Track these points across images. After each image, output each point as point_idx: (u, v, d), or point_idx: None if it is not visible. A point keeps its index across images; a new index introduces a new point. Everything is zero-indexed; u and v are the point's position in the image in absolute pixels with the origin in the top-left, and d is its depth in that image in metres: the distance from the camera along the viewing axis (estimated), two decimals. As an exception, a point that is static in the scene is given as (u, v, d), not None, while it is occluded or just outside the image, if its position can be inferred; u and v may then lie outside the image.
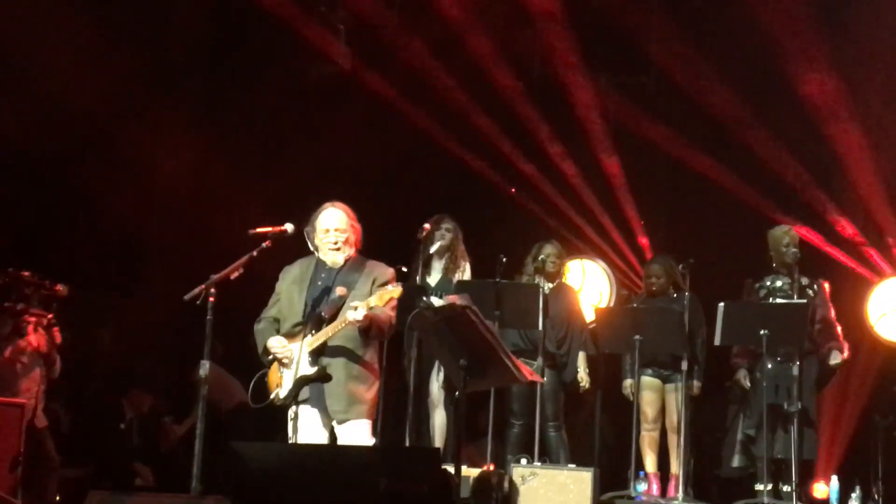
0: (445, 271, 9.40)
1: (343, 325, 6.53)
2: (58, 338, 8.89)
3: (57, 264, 10.77)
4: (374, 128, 11.67)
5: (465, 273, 9.48)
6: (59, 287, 8.87)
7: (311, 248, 6.95)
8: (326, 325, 6.60)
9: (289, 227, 6.82)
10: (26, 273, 8.78)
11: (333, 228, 6.83)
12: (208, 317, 6.53)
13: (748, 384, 9.37)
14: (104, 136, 10.87)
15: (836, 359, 9.26)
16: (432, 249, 9.30)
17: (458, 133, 11.82)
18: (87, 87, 10.45)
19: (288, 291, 6.87)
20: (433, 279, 9.40)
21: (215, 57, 11.48)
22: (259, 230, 6.78)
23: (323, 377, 6.61)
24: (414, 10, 11.13)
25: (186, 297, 6.53)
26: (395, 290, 6.51)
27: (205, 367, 6.56)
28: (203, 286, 6.51)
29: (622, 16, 11.21)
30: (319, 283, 6.79)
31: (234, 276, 6.62)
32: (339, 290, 6.63)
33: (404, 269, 9.35)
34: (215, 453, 6.70)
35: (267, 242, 6.75)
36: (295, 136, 11.51)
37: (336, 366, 6.64)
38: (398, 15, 11.06)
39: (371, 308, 6.47)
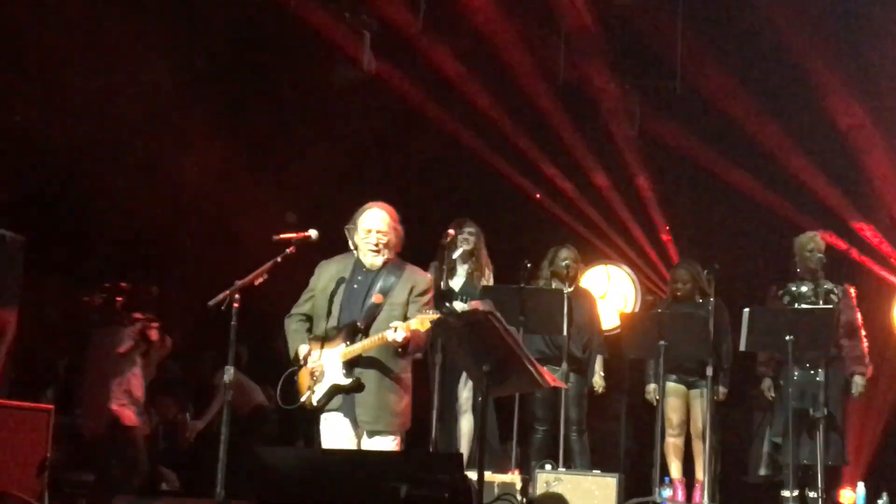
0: (470, 276, 9.39)
1: (379, 342, 6.50)
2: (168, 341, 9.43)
3: (83, 268, 10.88)
4: (399, 131, 11.68)
5: (489, 278, 9.48)
6: (153, 289, 9.09)
7: (351, 247, 6.90)
8: (361, 336, 6.57)
9: (313, 232, 6.77)
10: (124, 284, 9.03)
11: (375, 230, 6.76)
12: (232, 322, 6.52)
13: (772, 394, 9.33)
14: (130, 139, 10.93)
15: (857, 388, 9.23)
16: (456, 254, 9.30)
17: (483, 136, 11.83)
18: (115, 90, 10.52)
19: (323, 290, 6.81)
20: (457, 284, 9.39)
21: (241, 61, 11.50)
22: (283, 236, 6.75)
23: (356, 388, 6.57)
24: (439, 14, 11.13)
25: (211, 302, 6.51)
26: (434, 316, 6.41)
27: (229, 373, 6.54)
28: (227, 292, 6.49)
29: (650, 23, 11.21)
30: (356, 285, 6.74)
31: (258, 282, 6.60)
32: (375, 298, 6.60)
33: (429, 275, 9.36)
34: (237, 458, 6.74)
35: (291, 248, 6.70)
36: (319, 140, 11.53)
37: (369, 376, 6.60)
38: (423, 19, 11.06)
39: (412, 330, 6.43)
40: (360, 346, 6.53)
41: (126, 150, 10.97)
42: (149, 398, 10.60)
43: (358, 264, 6.81)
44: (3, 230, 7.40)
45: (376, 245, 6.75)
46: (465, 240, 9.34)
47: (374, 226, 6.77)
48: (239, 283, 6.52)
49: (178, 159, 11.24)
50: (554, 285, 9.52)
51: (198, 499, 8.33)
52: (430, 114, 11.64)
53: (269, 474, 5.67)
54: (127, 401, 9.23)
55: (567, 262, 9.55)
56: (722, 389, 9.45)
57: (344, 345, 6.56)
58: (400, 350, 6.54)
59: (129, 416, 9.20)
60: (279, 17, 10.86)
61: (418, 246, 9.31)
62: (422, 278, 6.80)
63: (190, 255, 11.38)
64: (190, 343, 11.24)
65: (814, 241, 9.39)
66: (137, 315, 9.30)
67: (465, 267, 9.41)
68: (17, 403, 7.32)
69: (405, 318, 6.56)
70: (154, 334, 9.51)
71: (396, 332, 6.40)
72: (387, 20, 11.02)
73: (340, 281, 6.78)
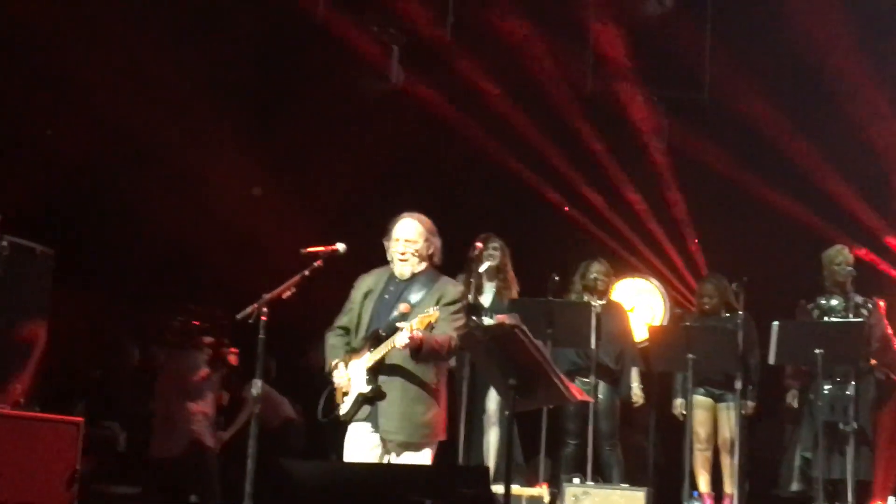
0: (498, 292, 9.40)
1: (391, 346, 6.45)
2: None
3: (110, 280, 10.94)
4: (427, 144, 11.70)
5: (515, 294, 9.48)
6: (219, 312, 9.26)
7: (388, 259, 6.88)
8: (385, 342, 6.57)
9: (340, 246, 6.77)
10: (197, 307, 9.19)
11: (403, 238, 6.74)
12: (260, 335, 6.53)
13: (796, 404, 9.29)
14: (157, 151, 10.99)
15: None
16: (482, 269, 9.31)
17: (511, 149, 11.83)
18: (141, 102, 10.58)
19: (359, 302, 6.79)
20: (486, 299, 9.40)
21: (269, 74, 11.56)
22: (311, 249, 6.75)
23: (376, 396, 6.55)
24: (467, 26, 11.16)
25: (239, 315, 6.54)
26: (433, 315, 6.37)
27: (257, 386, 6.57)
28: (255, 305, 6.51)
29: (678, 36, 11.20)
30: (387, 296, 6.71)
31: (286, 295, 6.61)
32: (402, 307, 6.55)
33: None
34: (265, 471, 6.73)
35: (319, 262, 6.70)
36: (348, 153, 11.56)
37: (392, 385, 6.55)
38: (451, 31, 11.09)
39: (414, 331, 6.34)
40: (377, 352, 6.50)
41: (155, 164, 11.03)
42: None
43: (391, 276, 6.79)
44: (32, 244, 7.44)
45: (403, 254, 6.72)
46: (489, 255, 9.35)
47: (401, 234, 6.76)
48: (267, 296, 6.53)
49: (207, 172, 11.29)
50: (585, 299, 9.50)
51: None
52: (457, 126, 11.65)
53: (294, 487, 5.67)
54: (206, 423, 9.40)
55: (597, 275, 9.55)
56: (750, 403, 9.42)
57: (368, 353, 6.56)
58: (413, 356, 6.46)
59: (209, 438, 9.45)
60: (307, 31, 10.92)
61: (445, 258, 9.35)
62: (452, 289, 6.75)
63: (218, 268, 11.41)
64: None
65: (842, 255, 9.35)
66: (209, 339, 9.55)
67: (493, 283, 9.42)
68: (47, 416, 7.35)
69: (431, 329, 6.51)
70: (234, 359, 9.86)
71: (401, 335, 6.33)
72: (415, 33, 11.06)
73: (374, 293, 6.77)
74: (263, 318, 6.51)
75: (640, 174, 12.04)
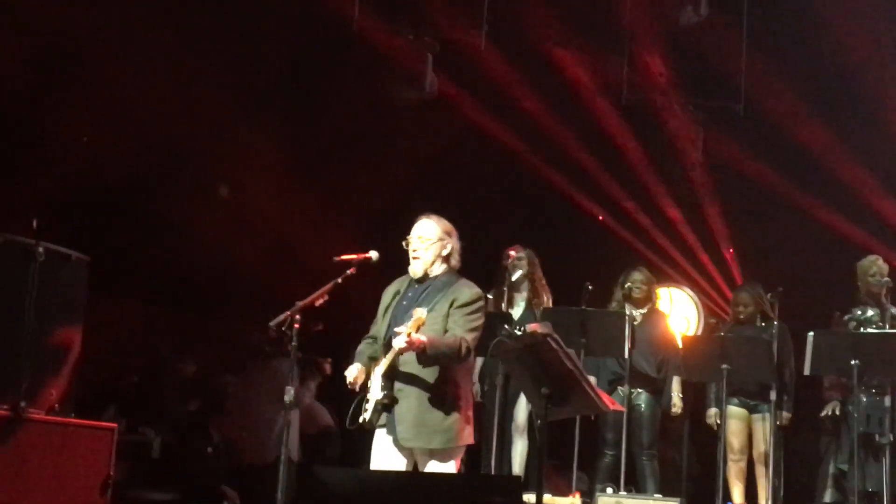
0: (529, 303, 9.39)
1: (394, 354, 6.39)
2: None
3: (143, 287, 11.00)
4: (461, 152, 11.71)
5: (547, 303, 9.47)
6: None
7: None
8: None
9: (373, 254, 6.75)
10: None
11: (416, 236, 6.69)
12: (293, 343, 6.54)
13: (838, 412, 9.23)
14: (191, 158, 11.04)
15: None
16: (514, 277, 9.31)
17: (545, 157, 11.83)
18: (174, 109, 10.63)
19: (383, 310, 6.76)
20: (517, 312, 9.39)
21: (302, 81, 11.60)
22: (344, 257, 6.74)
23: (391, 402, 6.49)
24: (502, 34, 11.16)
25: (272, 323, 6.54)
26: (421, 318, 6.24)
27: (290, 393, 6.58)
28: (288, 312, 6.51)
29: (713, 45, 11.17)
30: (405, 302, 6.65)
31: (318, 302, 6.61)
32: (416, 312, 6.42)
33: (489, 297, 9.37)
34: (301, 478, 6.73)
35: (352, 269, 6.70)
36: (381, 160, 11.58)
37: (408, 392, 6.47)
38: (486, 38, 11.09)
39: (410, 334, 6.23)
40: (387, 361, 6.45)
41: (191, 171, 11.08)
42: (208, 416, 10.72)
43: (412, 282, 6.75)
44: (68, 250, 7.47)
45: (415, 250, 6.67)
46: (519, 265, 9.35)
47: (415, 233, 6.71)
48: (300, 303, 6.53)
49: (242, 179, 11.34)
50: (626, 308, 9.46)
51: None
52: (492, 134, 11.66)
53: (327, 495, 5.68)
54: (296, 432, 9.68)
55: (633, 284, 9.51)
56: (785, 414, 9.36)
57: (383, 360, 6.53)
58: (419, 360, 6.38)
59: (296, 447, 9.66)
60: (341, 38, 10.94)
61: (478, 266, 9.34)
62: (467, 291, 6.63)
63: (250, 275, 11.45)
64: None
65: (876, 266, 9.30)
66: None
67: (523, 294, 9.41)
68: (82, 422, 7.36)
69: (445, 332, 6.47)
70: (328, 368, 10.11)
71: (398, 339, 6.27)
72: (449, 40, 11.07)
73: (394, 300, 6.74)
74: (296, 325, 6.51)
75: (675, 183, 12.00)
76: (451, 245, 6.75)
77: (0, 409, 6.97)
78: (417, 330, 6.22)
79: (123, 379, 10.96)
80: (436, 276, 6.68)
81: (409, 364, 6.45)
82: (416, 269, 6.69)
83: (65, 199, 9.84)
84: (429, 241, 6.67)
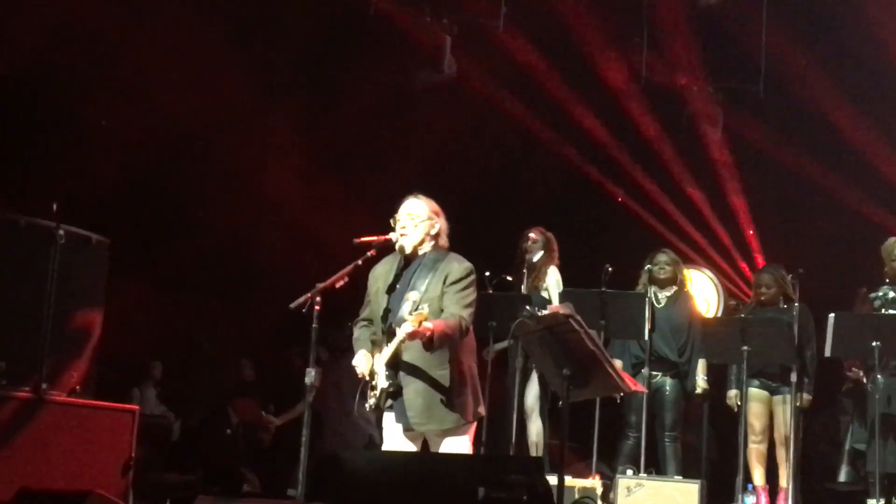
0: (531, 284, 9.36)
1: (399, 344, 6.35)
2: None
3: (166, 269, 11.03)
4: (480, 133, 11.69)
5: (548, 282, 9.42)
6: None
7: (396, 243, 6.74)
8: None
9: (393, 235, 6.73)
10: None
11: (405, 213, 6.64)
12: (314, 325, 6.53)
13: (863, 378, 9.18)
14: (213, 142, 11.05)
15: None
16: (535, 258, 9.31)
17: (565, 137, 11.80)
18: (196, 94, 10.64)
19: (374, 294, 6.73)
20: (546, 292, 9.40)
21: (321, 65, 11.59)
22: (364, 239, 6.72)
23: (397, 391, 6.45)
24: (522, 11, 11.14)
25: (292, 305, 6.51)
26: (424, 314, 6.16)
27: (310, 375, 6.57)
28: (309, 294, 6.50)
29: (737, 24, 11.12)
30: (398, 285, 6.60)
31: (339, 284, 6.59)
32: (412, 296, 6.41)
33: (509, 278, 9.36)
34: (317, 460, 6.72)
35: (372, 252, 6.67)
36: (400, 142, 11.58)
37: (414, 377, 6.46)
38: (506, 16, 11.07)
39: (413, 325, 6.17)
40: (391, 349, 6.43)
41: (208, 155, 11.10)
42: (227, 399, 10.77)
43: (400, 261, 6.70)
44: (88, 233, 7.49)
45: (404, 227, 6.61)
46: (532, 248, 9.36)
47: (404, 210, 6.67)
48: (320, 285, 6.51)
49: (260, 163, 11.35)
50: (652, 290, 9.43)
51: (279, 500, 8.41)
52: (511, 115, 11.63)
53: (346, 476, 5.68)
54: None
55: (656, 266, 9.47)
56: (806, 396, 9.29)
57: (386, 348, 6.51)
58: (427, 346, 6.32)
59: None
60: (359, 23, 10.93)
61: (497, 247, 9.33)
62: (458, 266, 6.57)
63: (271, 258, 11.47)
64: (268, 344, 11.37)
65: (899, 245, 9.23)
66: None
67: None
68: (103, 404, 7.40)
69: (441, 312, 6.44)
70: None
71: (403, 328, 6.21)
72: (468, 22, 11.05)
73: (386, 283, 6.70)
74: (317, 307, 6.49)
75: (697, 164, 11.97)
76: (440, 224, 6.71)
77: (22, 391, 7.02)
78: (420, 324, 6.20)
79: (148, 363, 11.04)
80: (425, 255, 6.65)
81: (413, 349, 6.42)
82: (404, 245, 6.64)
83: (86, 182, 9.87)
84: (418, 219, 6.64)
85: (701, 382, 9.47)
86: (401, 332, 6.25)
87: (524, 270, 9.25)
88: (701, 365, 9.49)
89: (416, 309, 6.30)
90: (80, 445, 7.15)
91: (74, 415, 7.18)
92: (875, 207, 11.15)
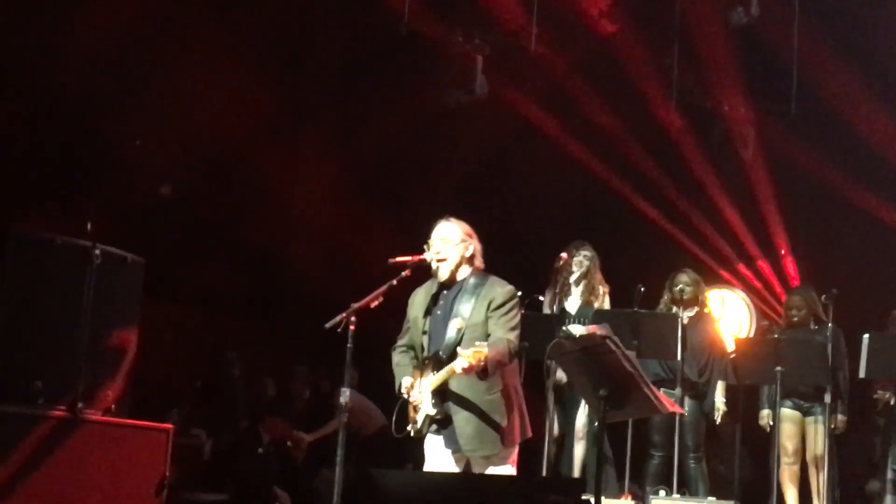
0: (584, 299, 9.36)
1: (450, 374, 6.35)
2: None
3: (198, 288, 11.06)
4: (513, 153, 11.70)
5: (604, 301, 9.44)
6: None
7: (433, 269, 6.74)
8: (445, 365, 6.42)
9: (428, 255, 6.72)
10: None
11: (438, 239, 6.65)
12: (349, 345, 6.52)
13: (893, 401, 9.13)
14: (245, 163, 11.09)
15: None
16: (571, 279, 9.31)
17: (599, 156, 11.79)
18: (228, 113, 10.69)
19: (415, 319, 6.75)
20: (572, 306, 9.38)
21: (353, 83, 11.63)
22: (399, 259, 6.72)
23: (445, 419, 6.46)
24: (554, 30, 11.15)
25: (328, 324, 6.51)
26: (482, 352, 6.13)
27: (345, 395, 6.56)
28: (344, 314, 6.49)
29: (769, 43, 11.13)
30: (439, 311, 6.63)
31: (374, 304, 6.59)
32: (457, 324, 6.45)
33: (541, 298, 9.35)
34: (353, 480, 6.70)
35: (406, 272, 6.67)
36: (433, 161, 11.60)
37: (462, 402, 6.47)
38: (537, 34, 11.09)
39: (470, 361, 6.16)
40: (438, 378, 6.42)
41: (242, 175, 11.14)
42: (256, 420, 10.78)
43: (439, 288, 6.71)
44: (124, 252, 7.53)
45: (439, 253, 6.62)
46: (579, 263, 9.35)
47: (437, 235, 6.68)
48: (355, 305, 6.51)
49: (293, 182, 11.38)
50: (674, 311, 9.41)
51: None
52: (544, 134, 11.64)
53: (384, 497, 5.67)
54: None
55: (682, 286, 9.43)
56: (840, 417, 9.24)
57: (432, 375, 6.50)
58: (480, 376, 6.34)
59: None
60: (392, 42, 10.96)
61: (533, 267, 9.32)
62: (500, 290, 6.58)
63: (303, 277, 11.49)
64: (301, 364, 11.38)
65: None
66: None
67: (580, 289, 9.39)
68: (137, 422, 7.42)
69: (487, 337, 6.43)
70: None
71: (457, 363, 6.21)
72: (500, 41, 11.07)
73: (427, 308, 6.70)
74: (352, 327, 6.48)
75: (732, 183, 11.95)
76: (474, 246, 6.72)
77: (57, 409, 7.06)
78: (478, 361, 6.19)
79: (186, 383, 11.06)
80: (464, 279, 6.65)
81: (460, 378, 6.41)
82: (442, 272, 6.65)
83: (122, 202, 9.92)
84: (451, 243, 6.64)
85: (719, 404, 9.44)
86: (456, 366, 6.24)
87: (556, 291, 9.23)
88: (720, 387, 9.46)
89: (463, 337, 6.31)
90: (114, 464, 7.18)
91: (109, 434, 7.21)
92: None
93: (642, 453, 9.34)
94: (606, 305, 9.42)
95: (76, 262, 7.18)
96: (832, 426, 9.12)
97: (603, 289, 9.48)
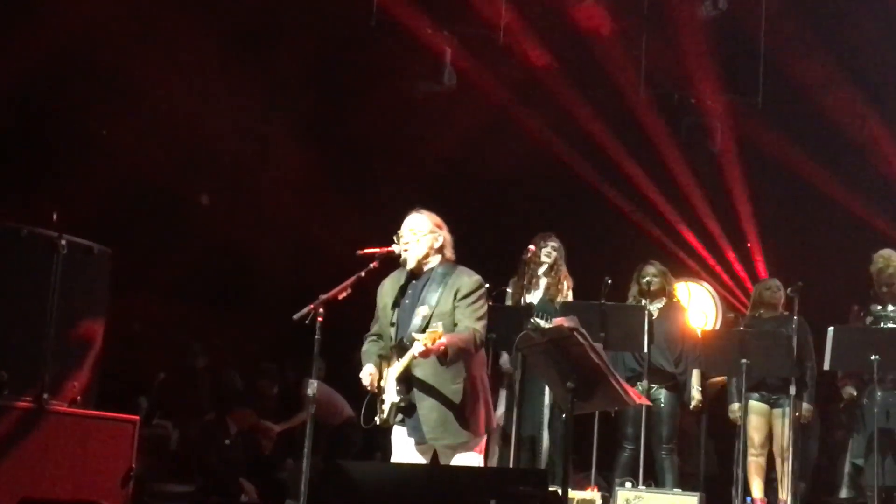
0: (547, 290, 9.35)
1: (411, 359, 6.34)
2: None
3: (165, 278, 11.03)
4: (483, 144, 11.71)
5: (566, 293, 9.44)
6: None
7: (402, 259, 6.75)
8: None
9: (396, 247, 6.73)
10: None
11: (408, 229, 6.66)
12: (316, 336, 6.53)
13: (855, 392, 9.20)
14: (213, 153, 11.07)
15: None
16: (540, 271, 9.31)
17: (569, 147, 11.83)
18: (197, 106, 10.66)
19: (383, 309, 6.76)
20: (535, 297, 9.37)
21: (323, 75, 11.61)
22: (367, 251, 6.72)
23: (409, 407, 6.47)
24: (522, 21, 11.17)
25: (295, 316, 6.51)
26: (438, 332, 6.17)
27: (312, 386, 6.57)
28: (312, 305, 6.50)
29: (741, 30, 11.18)
30: (407, 300, 6.63)
31: (342, 296, 6.59)
32: (423, 311, 6.46)
33: (508, 290, 9.37)
34: (320, 471, 6.70)
35: (374, 263, 6.68)
36: (403, 153, 11.60)
37: (426, 390, 6.47)
38: (506, 24, 11.11)
39: (427, 343, 6.17)
40: (401, 365, 6.42)
41: (210, 165, 11.11)
42: (226, 409, 10.77)
43: (408, 277, 6.71)
44: (90, 243, 7.48)
45: (407, 242, 6.63)
46: (547, 254, 9.35)
47: (406, 226, 6.69)
48: (323, 296, 6.51)
49: (263, 173, 11.36)
50: (642, 302, 9.42)
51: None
52: (513, 125, 11.66)
53: (352, 488, 5.67)
54: None
55: (648, 278, 9.44)
56: (806, 406, 9.29)
57: (397, 363, 6.51)
58: (441, 361, 6.34)
59: None
60: (361, 34, 10.96)
61: (501, 258, 9.32)
62: (467, 280, 6.59)
63: (272, 268, 11.47)
64: (268, 355, 11.37)
65: (887, 261, 9.24)
66: None
67: (545, 280, 9.40)
68: (104, 414, 7.39)
69: (454, 326, 6.45)
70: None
71: (416, 346, 6.22)
72: (469, 31, 11.09)
73: (396, 298, 6.70)
74: (319, 318, 6.48)
75: (702, 174, 12.00)
76: (444, 237, 6.73)
77: (23, 400, 7.01)
78: (434, 342, 6.20)
79: (151, 374, 11.04)
80: (432, 269, 6.67)
81: (425, 365, 6.43)
82: (409, 261, 6.65)
83: (88, 192, 9.87)
84: (420, 233, 6.65)
85: (696, 394, 9.45)
86: (413, 350, 6.26)
87: (524, 282, 9.24)
88: (696, 376, 9.48)
89: (428, 325, 6.32)
90: (80, 455, 7.14)
91: (75, 425, 7.16)
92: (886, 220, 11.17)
93: (610, 445, 9.36)
94: (569, 298, 9.42)
95: (42, 253, 7.13)
96: (797, 414, 9.20)
97: (567, 283, 9.47)
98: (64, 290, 7.18)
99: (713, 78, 11.71)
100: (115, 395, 9.42)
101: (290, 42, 11.21)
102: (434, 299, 6.53)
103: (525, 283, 9.30)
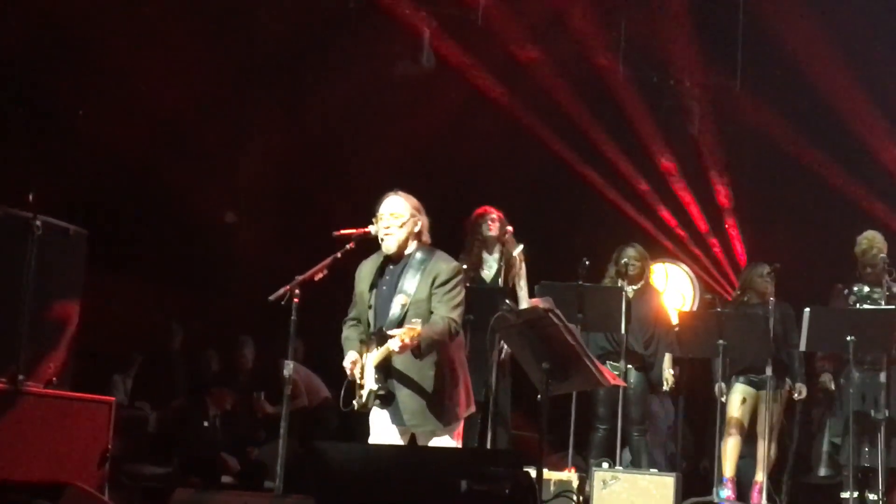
0: (500, 266, 9.29)
1: (388, 352, 6.35)
2: None
3: (141, 259, 11.01)
4: (460, 124, 11.70)
5: (522, 276, 9.38)
6: None
7: (380, 241, 6.71)
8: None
9: (373, 228, 6.70)
10: None
11: (388, 213, 6.61)
12: (292, 317, 6.53)
13: (832, 386, 9.25)
14: (191, 133, 11.03)
15: None
16: (516, 251, 9.27)
17: (549, 128, 11.82)
18: (173, 85, 10.61)
19: (360, 294, 6.74)
20: (487, 273, 9.32)
21: (300, 55, 11.57)
22: (343, 232, 6.71)
23: (388, 395, 6.46)
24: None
25: (271, 297, 6.51)
26: (416, 330, 6.19)
27: (289, 367, 6.57)
28: (288, 287, 6.50)
29: (711, 19, 11.19)
30: (385, 287, 6.61)
31: (318, 277, 6.59)
32: (401, 300, 6.46)
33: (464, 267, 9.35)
34: (299, 452, 6.70)
35: (351, 244, 6.67)
36: (380, 134, 11.58)
37: (405, 379, 6.48)
38: (485, 5, 11.10)
39: (404, 339, 6.20)
40: (379, 355, 6.42)
41: (186, 145, 11.07)
42: (204, 391, 10.77)
43: (385, 261, 6.69)
44: (66, 224, 7.45)
45: (388, 227, 6.59)
46: (488, 227, 9.28)
47: (386, 209, 6.63)
48: (299, 277, 6.52)
49: (239, 154, 11.33)
50: (619, 284, 9.43)
51: (257, 493, 8.41)
52: (492, 106, 11.66)
53: (328, 469, 5.68)
54: None
55: (628, 260, 9.44)
56: (799, 385, 9.38)
57: (376, 350, 6.50)
58: (416, 354, 6.36)
59: None
60: (339, 14, 10.93)
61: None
62: (445, 267, 6.57)
63: (248, 249, 11.45)
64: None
65: (871, 242, 9.28)
66: None
67: (494, 255, 9.32)
68: (79, 395, 7.36)
69: (430, 313, 6.46)
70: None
71: (392, 341, 6.24)
72: (448, 12, 11.07)
73: (373, 282, 6.69)
74: (295, 299, 6.49)
75: (680, 157, 12.03)
76: (422, 221, 6.70)
77: (-2, 382, 6.99)
78: (411, 339, 6.20)
79: (128, 355, 11.03)
80: (410, 254, 6.64)
81: (401, 356, 6.42)
82: (390, 246, 6.61)
83: (63, 172, 9.83)
84: (402, 218, 6.62)
85: (668, 376, 9.48)
86: (391, 345, 6.26)
87: (474, 252, 9.20)
88: (667, 360, 9.51)
89: (406, 315, 6.32)
90: (56, 437, 7.11)
91: (51, 406, 7.13)
92: (872, 200, 11.19)
93: (585, 426, 9.39)
94: (523, 274, 9.37)
95: (17, 234, 7.08)
96: (789, 391, 9.31)
97: (521, 262, 9.40)
98: (39, 271, 7.13)
99: (692, 59, 11.71)
100: (92, 376, 9.42)
101: (266, 21, 11.17)
102: (412, 287, 6.52)
103: (475, 250, 9.25)
